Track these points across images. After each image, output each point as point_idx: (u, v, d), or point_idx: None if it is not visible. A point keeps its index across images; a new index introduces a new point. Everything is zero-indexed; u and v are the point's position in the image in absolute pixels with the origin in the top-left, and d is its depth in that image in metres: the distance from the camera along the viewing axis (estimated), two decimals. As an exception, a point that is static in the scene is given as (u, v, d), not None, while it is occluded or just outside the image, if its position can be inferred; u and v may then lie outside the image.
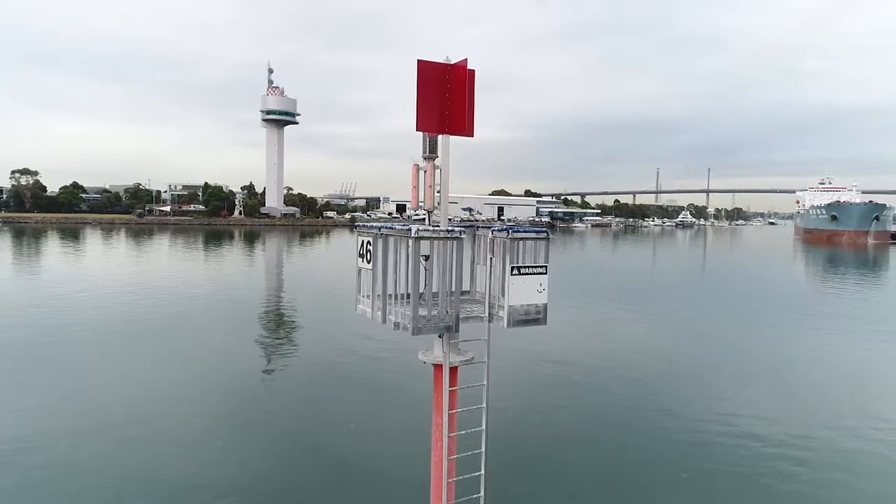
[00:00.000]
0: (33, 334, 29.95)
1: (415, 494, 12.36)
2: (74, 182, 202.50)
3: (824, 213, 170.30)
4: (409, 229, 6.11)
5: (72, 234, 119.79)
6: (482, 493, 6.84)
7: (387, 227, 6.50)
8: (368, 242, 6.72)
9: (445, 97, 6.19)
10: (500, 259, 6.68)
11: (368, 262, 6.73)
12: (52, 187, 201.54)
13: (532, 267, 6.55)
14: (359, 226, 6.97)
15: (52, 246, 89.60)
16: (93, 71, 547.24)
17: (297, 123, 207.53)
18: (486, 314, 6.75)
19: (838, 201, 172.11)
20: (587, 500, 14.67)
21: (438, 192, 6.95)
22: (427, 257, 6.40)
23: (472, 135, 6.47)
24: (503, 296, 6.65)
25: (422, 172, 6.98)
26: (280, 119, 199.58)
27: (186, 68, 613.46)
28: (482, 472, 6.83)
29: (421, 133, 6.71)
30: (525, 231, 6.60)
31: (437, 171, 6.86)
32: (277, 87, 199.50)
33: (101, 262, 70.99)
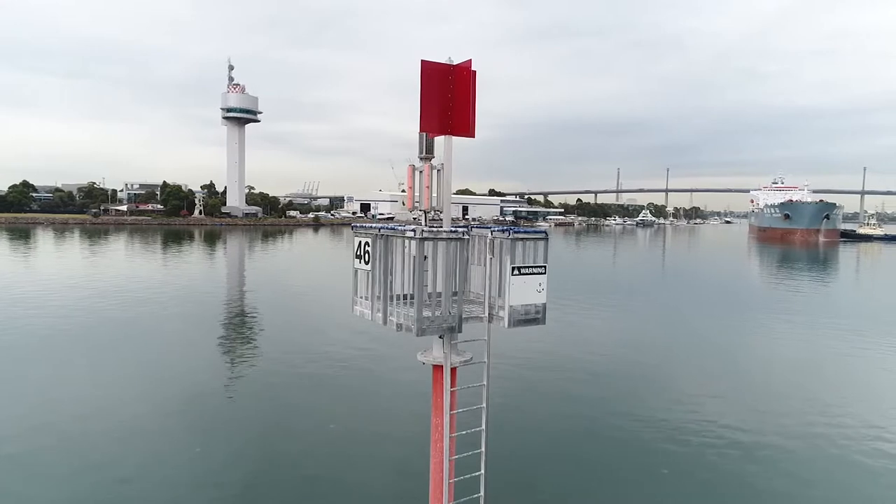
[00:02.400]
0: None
1: (414, 494, 12.31)
2: (24, 181, 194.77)
3: (778, 211, 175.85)
4: (414, 230, 6.03)
5: (22, 234, 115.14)
6: (482, 493, 6.83)
7: (387, 228, 6.41)
8: (367, 243, 6.60)
9: (448, 98, 6.11)
10: (498, 259, 6.63)
11: (367, 263, 6.62)
12: (0, 186, 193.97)
13: (532, 267, 6.54)
14: (356, 227, 6.81)
15: (1, 247, 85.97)
16: (43, 66, 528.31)
17: (259, 121, 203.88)
18: (486, 314, 6.71)
19: (791, 200, 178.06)
20: (584, 497, 14.81)
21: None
22: (425, 258, 6.34)
23: (473, 135, 6.41)
24: (500, 296, 6.63)
25: (418, 173, 6.91)
26: (241, 117, 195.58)
27: (144, 64, 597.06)
28: (482, 471, 6.82)
29: (418, 134, 6.64)
30: (525, 232, 6.59)
31: (435, 172, 6.81)
32: (238, 85, 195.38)
33: (56, 263, 68.38)
